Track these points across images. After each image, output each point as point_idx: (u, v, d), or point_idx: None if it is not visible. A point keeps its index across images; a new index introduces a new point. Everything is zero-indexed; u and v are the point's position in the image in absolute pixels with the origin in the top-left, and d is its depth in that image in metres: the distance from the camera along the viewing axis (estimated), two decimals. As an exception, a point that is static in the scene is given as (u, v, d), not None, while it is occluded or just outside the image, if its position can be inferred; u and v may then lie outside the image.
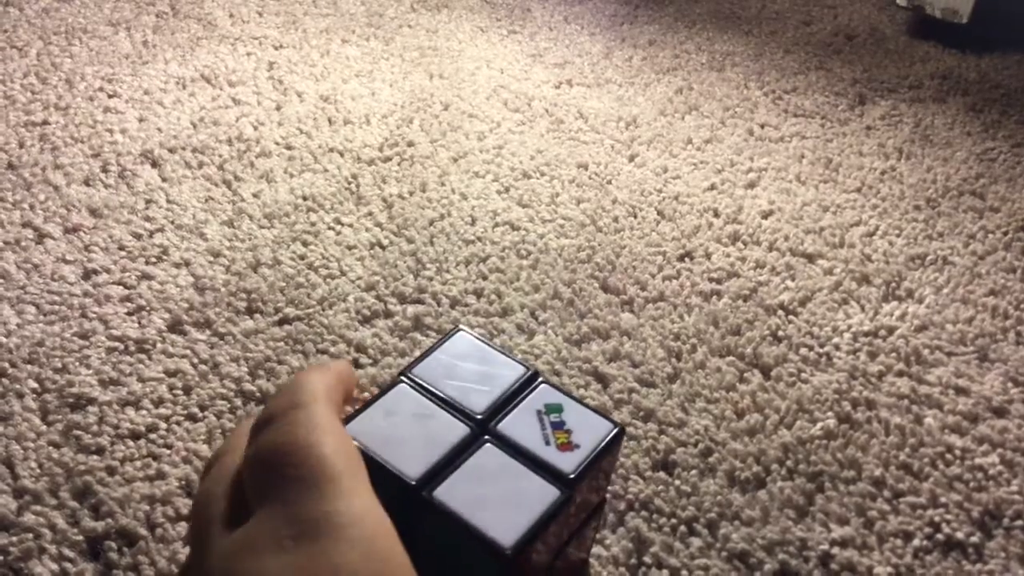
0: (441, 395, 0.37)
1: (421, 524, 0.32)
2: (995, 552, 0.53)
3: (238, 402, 0.58)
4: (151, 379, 0.59)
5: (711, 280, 0.74)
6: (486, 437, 0.36)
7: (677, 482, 0.56)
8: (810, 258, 0.77)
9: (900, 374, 0.66)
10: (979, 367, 0.67)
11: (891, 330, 0.70)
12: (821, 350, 0.67)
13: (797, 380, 0.64)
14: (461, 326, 0.42)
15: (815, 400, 0.63)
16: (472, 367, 0.39)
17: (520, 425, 0.37)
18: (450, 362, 0.39)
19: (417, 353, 0.62)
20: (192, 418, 0.56)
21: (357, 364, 0.62)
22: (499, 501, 0.33)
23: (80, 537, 0.49)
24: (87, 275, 0.67)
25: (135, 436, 0.55)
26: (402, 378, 0.38)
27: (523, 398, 0.38)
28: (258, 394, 0.59)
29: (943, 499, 0.56)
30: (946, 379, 0.66)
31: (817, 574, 0.51)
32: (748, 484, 0.56)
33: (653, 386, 0.63)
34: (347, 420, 0.35)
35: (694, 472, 0.56)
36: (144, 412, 0.56)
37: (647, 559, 0.51)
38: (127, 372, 0.59)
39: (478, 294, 0.69)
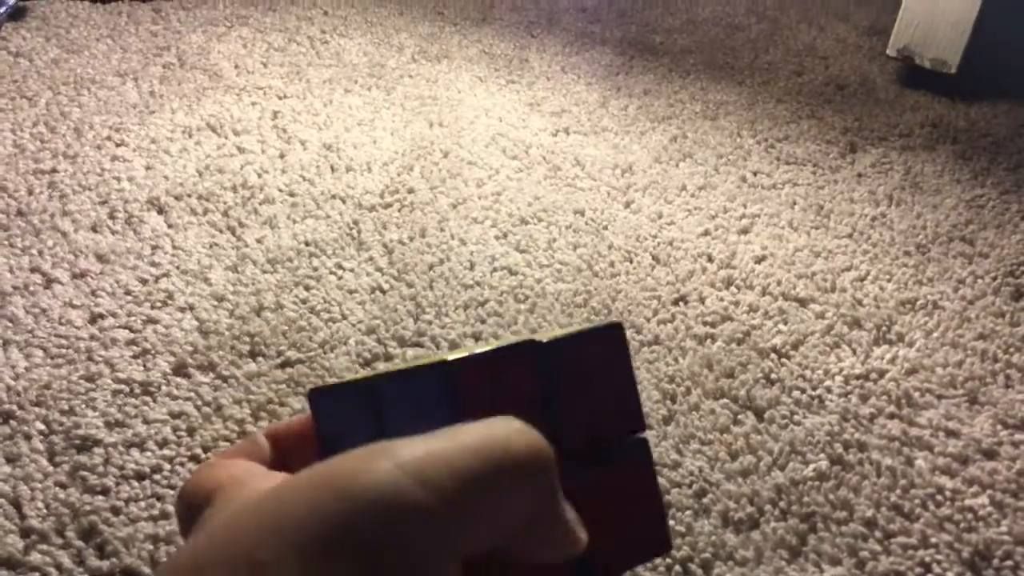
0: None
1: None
2: (986, 592, 0.54)
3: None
4: (156, 421, 0.60)
5: (705, 324, 0.75)
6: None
7: (672, 522, 0.56)
8: (802, 302, 0.79)
9: (891, 416, 0.67)
10: (969, 410, 0.68)
11: (882, 373, 0.71)
12: (813, 393, 0.69)
13: (790, 422, 0.66)
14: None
15: (808, 442, 0.64)
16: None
17: None
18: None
19: None
20: (196, 459, 0.57)
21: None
22: None
23: (85, 576, 0.50)
24: (94, 319, 0.68)
25: (140, 477, 0.56)
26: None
27: None
28: (260, 436, 0.60)
29: (934, 539, 0.57)
30: (936, 421, 0.67)
31: (810, 614, 0.52)
32: (742, 525, 0.57)
33: (648, 428, 0.64)
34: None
35: (688, 512, 0.57)
36: (149, 453, 0.57)
37: (642, 599, 0.52)
38: (132, 414, 0.60)
39: (476, 337, 0.71)
